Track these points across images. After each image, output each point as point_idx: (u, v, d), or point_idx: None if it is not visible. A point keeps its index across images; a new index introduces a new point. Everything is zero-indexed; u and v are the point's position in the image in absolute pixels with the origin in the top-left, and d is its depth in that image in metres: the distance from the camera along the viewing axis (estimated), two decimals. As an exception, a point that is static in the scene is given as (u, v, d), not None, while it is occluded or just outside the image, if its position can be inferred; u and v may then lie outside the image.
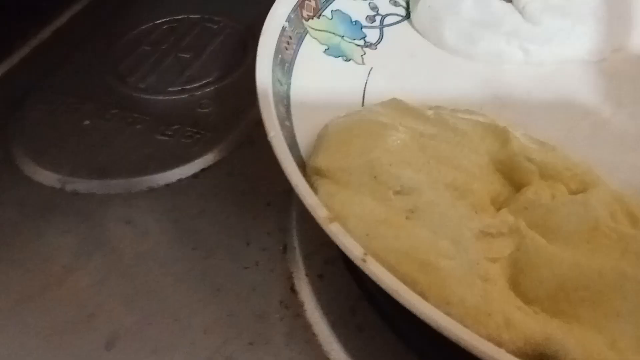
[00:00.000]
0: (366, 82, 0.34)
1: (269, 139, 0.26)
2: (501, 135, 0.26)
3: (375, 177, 0.23)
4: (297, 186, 0.24)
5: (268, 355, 0.29)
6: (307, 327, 0.30)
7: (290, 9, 0.34)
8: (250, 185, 0.38)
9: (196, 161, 0.39)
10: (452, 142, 0.25)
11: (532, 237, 0.22)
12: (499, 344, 0.19)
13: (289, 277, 0.32)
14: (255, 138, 0.41)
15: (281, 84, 0.30)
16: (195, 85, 0.44)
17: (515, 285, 0.21)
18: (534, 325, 0.19)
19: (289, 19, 0.33)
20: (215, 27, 0.49)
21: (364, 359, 0.29)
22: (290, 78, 0.32)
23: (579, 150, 0.29)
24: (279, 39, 0.32)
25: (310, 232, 0.36)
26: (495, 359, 0.17)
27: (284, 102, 0.30)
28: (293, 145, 0.28)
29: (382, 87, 0.34)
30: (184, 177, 0.38)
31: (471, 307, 0.20)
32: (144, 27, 0.49)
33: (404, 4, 0.39)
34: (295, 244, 0.34)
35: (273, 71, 0.30)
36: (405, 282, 0.20)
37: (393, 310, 0.30)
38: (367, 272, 0.21)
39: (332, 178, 0.24)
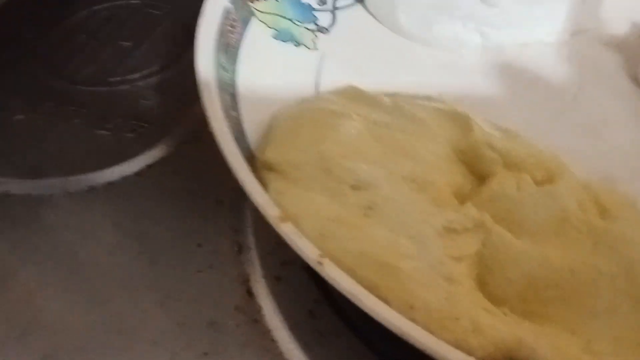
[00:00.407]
0: (319, 69, 0.32)
1: (211, 130, 0.24)
2: (462, 123, 0.24)
3: (327, 171, 0.21)
4: (245, 183, 0.22)
5: (223, 366, 0.28)
6: (265, 333, 0.29)
7: (233, -11, 0.31)
8: (199, 182, 0.35)
9: (140, 157, 0.36)
10: (409, 130, 0.24)
11: (498, 233, 0.21)
12: (468, 351, 0.18)
13: (245, 281, 0.30)
14: (204, 132, 0.38)
15: (225, 70, 0.28)
16: (137, 75, 0.41)
17: (483, 284, 0.20)
18: (504, 328, 0.18)
19: (232, 1, 0.31)
20: (159, 13, 0.46)
21: (324, 365, 0.27)
22: (235, 64, 0.29)
23: (541, 137, 0.28)
24: (221, 21, 0.30)
25: (266, 232, 0.34)
26: None
27: (230, 90, 0.28)
28: (240, 137, 0.26)
29: (336, 74, 0.32)
30: (126, 175, 0.35)
31: (436, 311, 0.18)
32: (80, 14, 0.46)
33: (356, -15, 0.37)
34: (251, 244, 0.32)
35: (216, 56, 0.28)
36: (364, 286, 0.19)
37: (355, 314, 0.29)
38: (324, 276, 0.19)
39: (282, 172, 0.22)
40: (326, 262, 0.19)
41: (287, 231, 0.20)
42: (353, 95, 0.26)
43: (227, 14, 0.30)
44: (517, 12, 0.33)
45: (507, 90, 0.31)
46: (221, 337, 0.29)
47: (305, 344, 0.28)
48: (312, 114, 0.24)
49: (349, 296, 0.19)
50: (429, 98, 0.27)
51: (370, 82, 0.31)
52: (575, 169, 0.26)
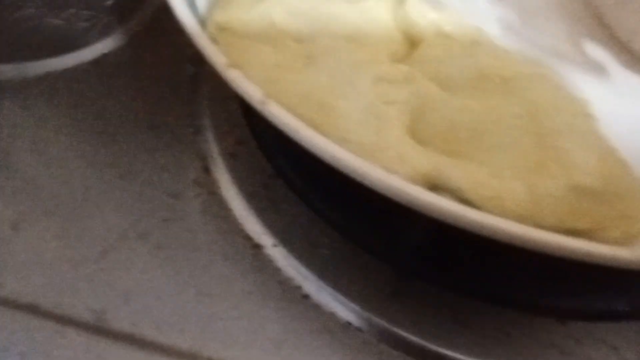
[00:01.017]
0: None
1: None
2: None
3: (272, 25, 0.23)
4: (194, 36, 0.23)
5: (183, 230, 0.30)
6: (221, 203, 0.31)
7: None
8: (156, 70, 0.36)
9: (95, 46, 0.37)
10: (353, -1, 0.25)
11: (425, 85, 0.23)
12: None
13: (202, 158, 0.32)
14: (160, 22, 0.40)
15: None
16: (92, -34, 0.41)
17: (412, 130, 0.22)
18: (425, 159, 0.20)
19: None
20: None
21: (277, 229, 0.30)
22: None
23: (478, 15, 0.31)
24: None
25: (222, 114, 0.36)
26: (388, 183, 0.19)
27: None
28: (191, 4, 0.27)
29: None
30: (84, 62, 0.36)
31: (367, 143, 0.21)
32: None
33: None
34: (207, 126, 0.34)
35: None
36: (304, 123, 0.21)
37: (303, 183, 0.32)
38: (266, 114, 0.21)
39: (232, 30, 0.24)
40: (269, 101, 0.21)
41: (234, 76, 0.22)
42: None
43: None
44: None
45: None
46: (181, 206, 0.31)
47: (259, 211, 0.30)
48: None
49: (288, 130, 0.21)
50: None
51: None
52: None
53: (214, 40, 0.24)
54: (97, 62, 0.36)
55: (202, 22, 0.27)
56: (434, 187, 0.21)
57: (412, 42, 0.26)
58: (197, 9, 0.27)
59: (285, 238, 0.30)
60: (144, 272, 0.28)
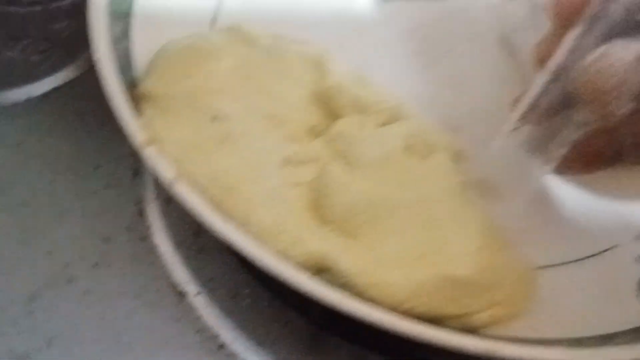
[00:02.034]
0: (219, 3, 0.34)
1: (94, 59, 0.26)
2: (321, 69, 0.27)
3: (193, 103, 0.24)
4: (117, 109, 0.24)
5: (112, 276, 0.31)
6: (152, 249, 0.32)
7: None
8: (103, 107, 0.37)
9: (46, 80, 0.37)
10: (277, 72, 0.27)
11: (333, 165, 0.24)
12: (287, 259, 0.22)
13: (138, 202, 0.33)
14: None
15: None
16: (50, -3, 0.41)
17: (316, 207, 0.24)
18: (318, 244, 0.22)
19: None
20: None
21: (202, 278, 0.31)
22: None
23: (410, 85, 0.32)
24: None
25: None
26: (276, 269, 0.21)
27: (124, 19, 0.29)
28: (127, 67, 0.28)
29: (234, 11, 0.33)
30: (32, 96, 0.37)
31: (267, 226, 0.22)
32: None
33: None
34: (145, 169, 0.34)
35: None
36: (213, 204, 0.23)
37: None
38: (175, 194, 0.23)
39: (157, 101, 0.25)
40: (179, 181, 0.22)
41: (149, 153, 0.23)
42: (235, 33, 0.28)
43: None
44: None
45: (389, 40, 0.34)
46: (111, 251, 0.32)
47: (186, 258, 0.31)
48: (190, 51, 0.26)
49: (193, 212, 0.22)
50: (306, 42, 0.29)
51: (266, 23, 0.33)
52: (430, 117, 0.30)
53: (139, 107, 0.25)
54: (47, 96, 0.37)
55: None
56: (326, 269, 0.22)
57: (333, 115, 0.27)
58: (132, 70, 0.28)
59: (208, 286, 0.31)
60: (69, 317, 0.29)
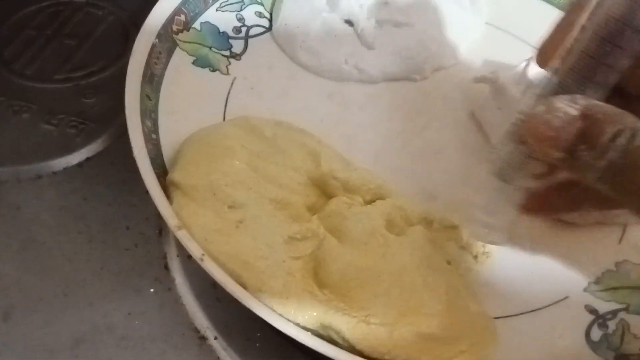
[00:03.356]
0: (229, 93, 0.40)
1: (134, 155, 0.32)
2: (315, 158, 0.34)
3: (214, 194, 0.30)
4: (155, 200, 0.30)
5: (143, 323, 0.36)
6: (176, 299, 0.38)
7: (160, 26, 0.38)
8: (131, 174, 0.42)
9: (81, 151, 0.43)
10: (280, 162, 0.33)
11: (327, 240, 0.30)
12: (295, 318, 0.28)
13: (163, 257, 0.39)
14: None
15: (150, 99, 0.36)
16: (80, 74, 0.47)
17: (315, 274, 0.30)
18: (317, 308, 0.28)
19: (158, 36, 0.38)
20: (100, 13, 0.51)
21: (221, 324, 0.37)
22: (159, 92, 0.37)
23: (391, 160, 0.38)
24: (149, 56, 0.37)
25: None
26: (286, 329, 0.27)
27: (152, 116, 0.35)
28: (158, 157, 0.34)
29: (242, 98, 0.40)
30: (69, 165, 0.43)
31: (276, 294, 0.28)
32: (28, 9, 0.51)
33: (267, 15, 0.44)
34: (169, 228, 0.40)
35: (142, 89, 0.35)
36: (232, 276, 0.28)
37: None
38: (204, 268, 0.28)
39: (184, 191, 0.31)
40: (206, 258, 0.28)
41: (182, 236, 0.29)
42: (244, 126, 0.35)
43: (153, 48, 0.37)
44: (389, 54, 0.41)
45: (373, 119, 0.40)
46: (142, 301, 0.37)
47: (206, 307, 0.37)
48: (210, 148, 0.32)
49: (219, 282, 0.28)
50: (302, 131, 0.36)
51: (268, 106, 0.40)
52: (409, 187, 0.36)
53: (169, 192, 0.31)
54: (81, 166, 0.43)
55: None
56: (325, 327, 0.28)
57: (327, 195, 0.33)
58: (163, 159, 0.34)
59: (225, 332, 0.36)
60: (109, 360, 0.35)
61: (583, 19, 0.24)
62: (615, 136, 0.21)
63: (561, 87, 0.24)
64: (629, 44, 0.23)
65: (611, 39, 0.23)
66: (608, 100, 0.24)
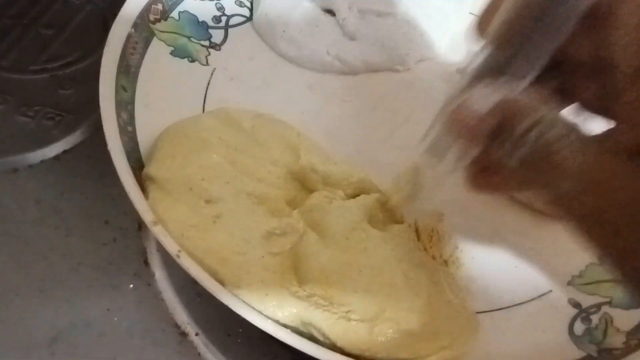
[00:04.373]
0: (208, 83, 0.39)
1: (108, 148, 0.31)
2: (295, 152, 0.33)
3: (190, 188, 0.30)
4: (130, 194, 0.30)
5: (122, 320, 0.36)
6: (156, 294, 0.37)
7: (136, 15, 0.37)
8: (110, 167, 0.41)
9: (58, 143, 0.42)
10: (258, 156, 0.32)
11: (307, 235, 0.30)
12: (274, 316, 0.27)
13: (143, 252, 0.38)
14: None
15: (125, 90, 0.35)
16: (56, 64, 0.46)
17: (296, 270, 0.29)
18: (296, 305, 0.27)
19: (134, 25, 0.37)
20: (77, 2, 0.50)
21: (201, 320, 0.36)
22: (135, 83, 0.36)
23: (372, 153, 0.37)
24: (124, 46, 0.36)
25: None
26: (264, 326, 0.26)
27: (128, 108, 0.34)
28: (134, 150, 0.33)
29: (222, 89, 0.39)
30: (46, 158, 0.42)
31: (254, 290, 0.27)
32: (4, -3, 0.50)
33: (248, 4, 0.43)
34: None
35: (117, 79, 0.34)
36: (209, 272, 0.28)
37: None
38: (180, 264, 0.28)
39: (160, 185, 0.30)
40: (182, 254, 0.28)
41: (157, 231, 0.28)
42: (222, 118, 0.34)
43: (129, 38, 0.36)
44: (371, 44, 0.41)
45: (355, 110, 0.40)
46: (121, 297, 0.37)
47: (186, 302, 0.37)
48: (187, 141, 0.31)
49: (196, 278, 0.27)
50: (282, 123, 0.35)
51: (248, 97, 0.39)
52: (389, 180, 0.35)
53: (144, 186, 0.30)
54: (58, 159, 0.42)
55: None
56: (306, 323, 0.27)
57: (308, 189, 0.32)
58: (140, 151, 0.33)
59: (206, 328, 0.36)
60: (87, 357, 0.34)
61: None
62: (528, 130, 0.22)
63: (492, 62, 0.25)
64: (553, 19, 0.23)
65: (536, 14, 0.24)
66: (548, 73, 0.25)
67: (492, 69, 0.25)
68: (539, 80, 0.25)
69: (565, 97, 0.26)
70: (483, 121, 0.23)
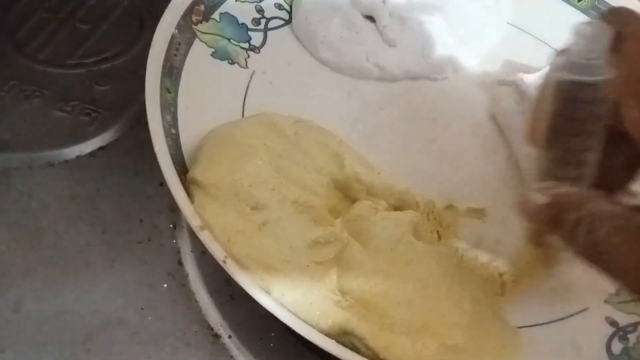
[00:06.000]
0: (247, 87, 0.39)
1: (155, 151, 0.32)
2: (339, 160, 0.33)
3: (237, 194, 0.30)
4: (177, 199, 0.30)
5: (156, 319, 0.36)
6: (190, 295, 0.37)
7: (180, 16, 0.37)
8: (145, 165, 0.42)
9: (94, 139, 0.42)
10: (302, 164, 0.32)
11: (351, 244, 0.30)
12: (318, 328, 0.27)
13: (177, 252, 0.39)
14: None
15: (169, 92, 0.35)
16: (92, 60, 0.46)
17: (338, 279, 0.29)
18: (340, 315, 0.28)
19: (178, 26, 0.37)
20: (115, -3, 0.50)
21: (234, 322, 0.36)
22: (178, 85, 0.36)
23: (411, 161, 0.37)
24: (168, 47, 0.36)
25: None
26: (310, 336, 0.26)
27: (171, 110, 0.35)
28: (177, 153, 0.33)
29: (261, 92, 0.39)
30: (82, 154, 0.42)
31: (299, 299, 0.28)
32: (40, -10, 0.50)
33: (287, 7, 0.43)
34: (184, 223, 0.40)
35: (162, 81, 0.34)
36: (255, 279, 0.28)
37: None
38: (227, 270, 0.28)
39: (205, 189, 0.30)
40: (228, 261, 0.28)
41: (204, 237, 0.29)
42: (264, 123, 0.34)
43: (172, 39, 0.36)
44: (410, 52, 0.41)
45: (393, 118, 0.40)
46: (155, 296, 0.37)
47: (219, 304, 0.37)
48: (232, 147, 0.32)
49: (242, 285, 0.28)
50: (324, 131, 0.35)
51: (287, 102, 0.39)
52: (427, 192, 0.35)
53: (189, 190, 0.30)
54: (94, 155, 0.42)
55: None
56: (348, 333, 0.28)
57: (350, 198, 0.32)
58: (183, 154, 0.33)
59: (239, 330, 0.36)
60: (121, 355, 0.35)
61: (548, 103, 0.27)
62: (576, 224, 0.24)
63: (546, 167, 0.28)
64: (580, 114, 0.26)
65: (565, 112, 0.27)
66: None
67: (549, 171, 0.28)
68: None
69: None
70: (540, 212, 0.26)
